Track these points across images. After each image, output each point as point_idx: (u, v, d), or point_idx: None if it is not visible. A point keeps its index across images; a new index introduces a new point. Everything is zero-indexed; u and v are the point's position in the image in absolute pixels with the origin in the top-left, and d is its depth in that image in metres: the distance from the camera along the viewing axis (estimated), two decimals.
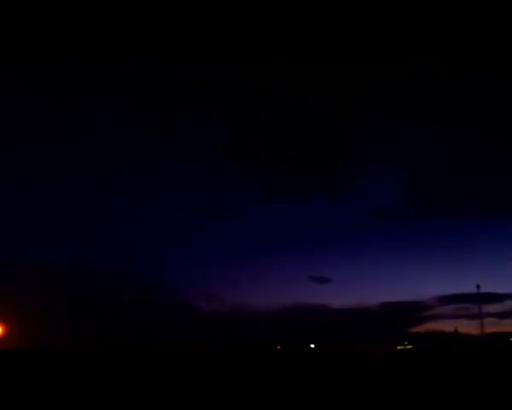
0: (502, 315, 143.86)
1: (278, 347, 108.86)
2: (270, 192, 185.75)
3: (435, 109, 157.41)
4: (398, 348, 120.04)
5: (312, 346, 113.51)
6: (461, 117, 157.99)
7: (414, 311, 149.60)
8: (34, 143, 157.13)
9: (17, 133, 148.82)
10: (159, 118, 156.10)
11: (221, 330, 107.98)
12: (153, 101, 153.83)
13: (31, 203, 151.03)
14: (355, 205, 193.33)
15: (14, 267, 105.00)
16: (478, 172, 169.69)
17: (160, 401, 18.66)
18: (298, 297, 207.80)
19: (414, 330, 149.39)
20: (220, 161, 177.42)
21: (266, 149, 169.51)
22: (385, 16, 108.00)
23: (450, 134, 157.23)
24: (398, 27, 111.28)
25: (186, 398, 19.32)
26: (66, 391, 21.72)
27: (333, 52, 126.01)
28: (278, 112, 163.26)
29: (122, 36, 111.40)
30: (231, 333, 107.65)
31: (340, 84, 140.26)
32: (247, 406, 17.48)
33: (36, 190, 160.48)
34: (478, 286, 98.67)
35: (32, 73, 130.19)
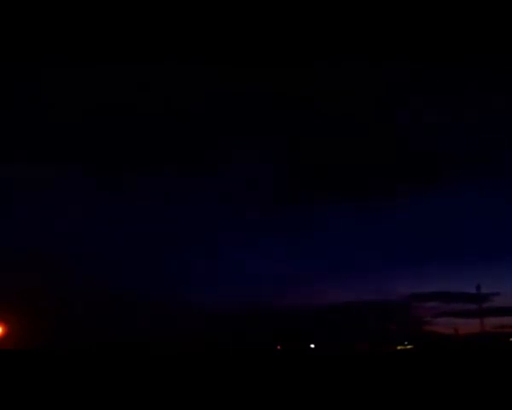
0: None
1: (278, 347, 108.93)
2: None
3: None
4: (398, 348, 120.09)
5: (312, 346, 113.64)
6: None
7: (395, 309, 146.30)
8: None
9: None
10: None
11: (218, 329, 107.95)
12: (153, 103, 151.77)
13: (30, 203, 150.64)
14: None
15: (15, 267, 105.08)
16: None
17: (161, 401, 18.67)
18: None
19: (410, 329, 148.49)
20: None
21: None
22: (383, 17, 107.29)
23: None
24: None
25: (186, 398, 19.32)
26: (66, 391, 21.72)
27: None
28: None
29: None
30: (229, 333, 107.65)
31: None
32: (248, 406, 17.48)
33: (35, 190, 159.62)
34: (478, 286, 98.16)
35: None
